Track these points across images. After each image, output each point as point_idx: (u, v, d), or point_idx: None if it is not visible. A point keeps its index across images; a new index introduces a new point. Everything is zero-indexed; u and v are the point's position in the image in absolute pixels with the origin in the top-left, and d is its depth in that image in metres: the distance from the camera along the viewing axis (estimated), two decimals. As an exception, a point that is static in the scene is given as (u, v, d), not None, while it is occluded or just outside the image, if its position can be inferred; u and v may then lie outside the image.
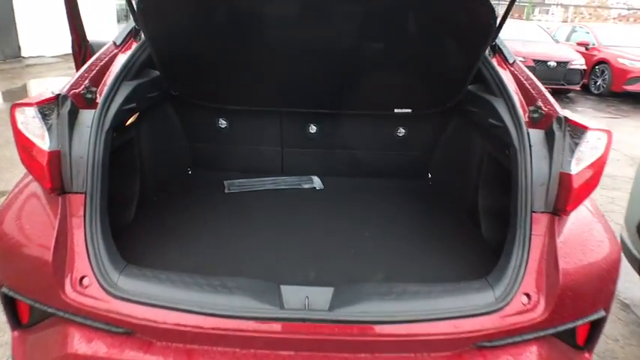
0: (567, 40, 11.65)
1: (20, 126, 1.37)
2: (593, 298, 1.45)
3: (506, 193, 1.82)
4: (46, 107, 1.41)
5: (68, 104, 1.44)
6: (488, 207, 2.00)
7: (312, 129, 2.53)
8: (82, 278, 1.35)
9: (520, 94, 1.78)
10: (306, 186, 2.50)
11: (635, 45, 10.18)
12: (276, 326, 1.29)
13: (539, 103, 1.62)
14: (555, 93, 8.84)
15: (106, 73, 1.73)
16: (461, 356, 1.34)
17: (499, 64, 1.99)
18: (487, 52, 2.00)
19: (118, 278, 1.36)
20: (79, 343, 1.33)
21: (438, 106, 2.32)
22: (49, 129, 1.40)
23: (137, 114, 1.92)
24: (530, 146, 1.51)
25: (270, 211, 2.18)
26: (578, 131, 1.45)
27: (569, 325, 1.41)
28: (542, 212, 1.46)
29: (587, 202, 1.55)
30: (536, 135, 1.54)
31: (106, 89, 1.60)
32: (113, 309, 1.31)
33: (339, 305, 1.33)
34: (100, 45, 2.00)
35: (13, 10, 11.01)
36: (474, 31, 1.79)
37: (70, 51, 2.46)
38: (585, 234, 1.51)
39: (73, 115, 1.46)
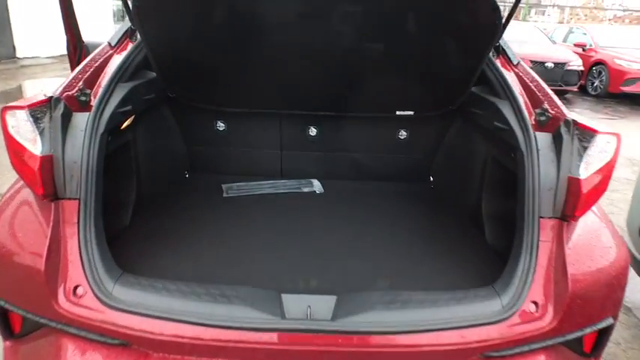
0: (564, 41, 11.67)
1: (11, 130, 1.33)
2: (601, 306, 1.43)
3: (510, 197, 1.79)
4: (38, 110, 1.36)
5: (61, 107, 1.40)
6: (492, 211, 1.96)
7: (312, 131, 2.49)
8: (75, 288, 1.30)
9: (525, 96, 1.74)
10: (306, 189, 2.46)
11: (632, 46, 10.21)
12: (278, 337, 1.25)
13: (546, 106, 1.59)
14: (553, 94, 8.81)
15: (100, 75, 1.68)
16: (467, 367, 1.30)
17: (503, 66, 1.96)
18: (491, 52, 1.96)
19: (113, 287, 1.32)
20: (72, 354, 1.29)
21: (441, 109, 2.28)
22: (41, 133, 1.36)
23: (133, 117, 1.88)
24: (537, 150, 1.47)
25: (269, 215, 2.14)
26: (587, 135, 1.42)
27: (578, 334, 1.39)
28: (550, 218, 1.43)
29: (594, 207, 1.52)
30: (543, 138, 1.50)
31: (100, 91, 1.56)
32: (108, 319, 1.27)
33: (342, 315, 1.30)
34: (96, 46, 1.95)
35: (7, 9, 10.91)
36: (478, 31, 1.75)
37: (65, 52, 2.42)
38: (593, 240, 1.48)
39: (66, 119, 1.41)
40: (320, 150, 2.53)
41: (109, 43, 1.95)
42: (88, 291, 1.30)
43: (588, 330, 1.40)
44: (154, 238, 1.84)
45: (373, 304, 1.34)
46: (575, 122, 1.46)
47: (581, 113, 8.53)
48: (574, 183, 1.41)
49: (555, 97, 1.66)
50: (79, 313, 1.28)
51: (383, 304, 1.34)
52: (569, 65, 9.47)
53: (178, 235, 1.88)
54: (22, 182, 1.45)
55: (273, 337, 1.25)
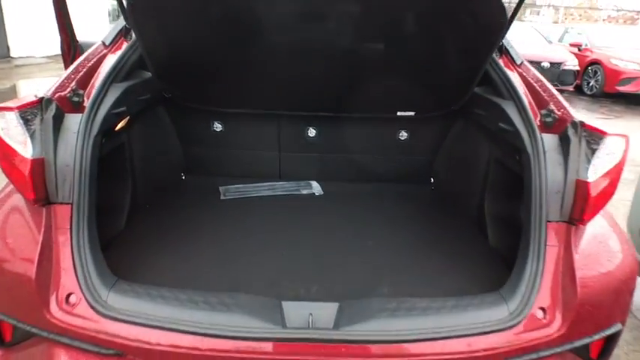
0: (560, 41, 11.70)
1: (0, 132, 1.28)
2: (610, 312, 1.40)
3: (514, 199, 1.76)
4: (29, 111, 1.32)
5: (53, 108, 1.36)
6: (495, 214, 1.93)
7: (312, 132, 2.45)
8: (68, 296, 1.27)
9: (530, 96, 1.71)
10: (305, 192, 2.42)
11: (627, 46, 10.25)
12: (279, 347, 1.21)
13: (552, 107, 1.56)
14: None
15: (94, 75, 1.64)
16: (474, 376, 1.27)
17: (506, 66, 1.93)
18: (494, 52, 1.92)
19: (107, 295, 1.28)
20: (65, 365, 1.24)
21: (443, 109, 2.24)
22: (31, 135, 1.31)
23: (128, 118, 1.83)
24: (544, 152, 1.44)
25: (267, 218, 2.10)
26: (595, 137, 1.39)
27: (586, 341, 1.36)
28: (558, 222, 1.40)
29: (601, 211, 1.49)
30: (550, 140, 1.48)
31: (94, 92, 1.52)
32: (102, 329, 1.23)
33: (345, 323, 1.26)
34: (90, 45, 1.92)
35: (1, 9, 10.81)
36: (483, 30, 1.71)
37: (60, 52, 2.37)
38: (602, 244, 1.46)
39: (58, 120, 1.37)
40: (319, 151, 2.49)
41: (103, 43, 1.91)
42: (81, 299, 1.26)
43: (597, 336, 1.37)
44: (150, 243, 1.80)
45: (377, 311, 1.31)
46: (582, 124, 1.43)
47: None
48: (582, 186, 1.38)
49: (561, 98, 1.63)
50: (71, 323, 1.24)
51: (387, 312, 1.30)
52: (565, 65, 9.49)
53: (174, 240, 1.84)
54: (11, 186, 1.41)
55: (274, 347, 1.21)
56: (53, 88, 1.44)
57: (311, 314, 1.27)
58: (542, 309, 1.32)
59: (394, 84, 2.04)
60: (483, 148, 2.04)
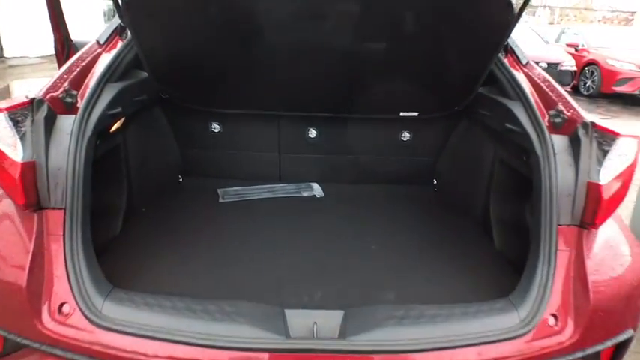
0: (557, 41, 11.72)
1: (-12, 134, 1.23)
2: (622, 317, 1.38)
3: (520, 201, 1.72)
4: (19, 113, 1.27)
5: (44, 109, 1.30)
6: (501, 216, 1.89)
7: (312, 133, 2.40)
8: (61, 305, 1.22)
9: (537, 96, 1.67)
10: (306, 194, 2.37)
11: (623, 47, 10.27)
12: (282, 358, 1.17)
13: (561, 107, 1.52)
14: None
15: (88, 75, 1.59)
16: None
17: (511, 65, 1.88)
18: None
19: (102, 304, 1.23)
20: (58, 378, 1.19)
21: (447, 109, 2.20)
22: (22, 137, 1.27)
23: (123, 119, 1.78)
24: (554, 154, 1.40)
25: (268, 222, 2.05)
26: (607, 138, 1.36)
27: (598, 347, 1.33)
28: (569, 226, 1.37)
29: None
30: (559, 141, 1.44)
31: (88, 92, 1.47)
32: (97, 340, 1.18)
33: (351, 332, 1.22)
34: (85, 45, 1.86)
35: (-6, 8, 10.68)
36: (489, 28, 1.67)
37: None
38: (613, 248, 1.42)
39: (50, 122, 1.32)
40: (320, 152, 2.45)
41: (98, 42, 1.86)
42: (75, 309, 1.21)
43: (609, 343, 1.34)
44: (146, 249, 1.75)
45: (383, 319, 1.26)
46: (594, 124, 1.40)
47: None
48: (594, 189, 1.35)
49: (570, 98, 1.59)
50: (65, 333, 1.19)
51: (394, 320, 1.26)
52: (562, 65, 9.52)
53: (172, 245, 1.79)
54: (1, 191, 1.35)
55: (277, 358, 1.17)
56: (45, 89, 1.39)
57: (315, 323, 1.22)
58: (554, 315, 1.28)
59: (397, 84, 1.99)
60: (488, 149, 2.01)
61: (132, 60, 1.80)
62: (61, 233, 1.27)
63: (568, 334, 1.27)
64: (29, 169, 1.26)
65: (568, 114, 1.49)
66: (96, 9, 13.51)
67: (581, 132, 1.40)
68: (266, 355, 1.16)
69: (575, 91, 10.52)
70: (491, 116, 1.89)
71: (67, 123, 1.35)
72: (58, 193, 1.29)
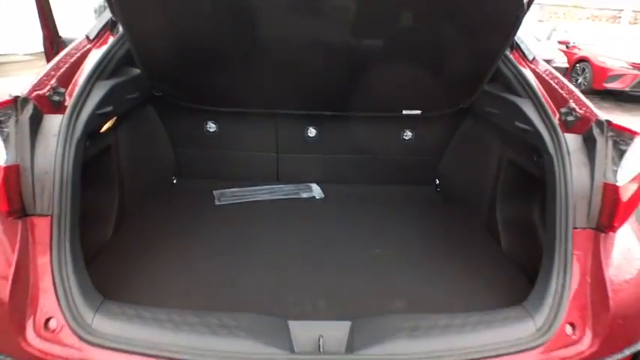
0: (548, 39, 11.77)
1: (-32, 136, 1.14)
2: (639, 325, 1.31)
3: (530, 203, 1.66)
4: (2, 113, 1.19)
5: (29, 108, 1.22)
6: (510, 219, 1.84)
7: (311, 132, 2.32)
8: (47, 320, 1.14)
9: (547, 94, 1.61)
10: (305, 195, 2.30)
11: (612, 44, 10.35)
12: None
13: (573, 105, 1.46)
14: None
15: (77, 72, 1.51)
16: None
17: (517, 61, 1.82)
18: None
19: (92, 319, 1.15)
20: (45, 399, 1.11)
21: (451, 107, 2.14)
22: (5, 139, 1.19)
23: (114, 118, 1.69)
24: (568, 153, 1.34)
25: (266, 226, 1.97)
26: (624, 137, 1.31)
27: (617, 357, 1.27)
28: (585, 228, 1.31)
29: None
30: (573, 140, 1.38)
31: (77, 90, 1.38)
32: (87, 358, 1.10)
33: (359, 345, 1.15)
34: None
35: (-20, 5, 10.42)
36: (497, 23, 1.60)
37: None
38: (631, 252, 1.37)
39: (35, 122, 1.23)
40: (319, 152, 2.37)
41: (87, 37, 1.77)
42: (62, 324, 1.13)
43: (628, 352, 1.28)
44: (139, 255, 1.66)
45: (393, 331, 1.19)
46: (609, 123, 1.34)
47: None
48: (610, 190, 1.29)
49: (582, 96, 1.53)
50: (51, 351, 1.11)
51: (404, 331, 1.19)
52: (554, 62, 9.53)
53: (165, 251, 1.71)
54: (-18, 197, 1.25)
55: None
56: (30, 86, 1.31)
57: (321, 336, 1.15)
58: (572, 324, 1.23)
59: (400, 81, 1.92)
60: (495, 149, 1.95)
61: (123, 56, 1.71)
62: (48, 242, 1.19)
63: (587, 343, 1.21)
64: (13, 172, 1.18)
65: (581, 112, 1.44)
66: (86, 6, 13.26)
67: (596, 131, 1.35)
68: None
69: (566, 88, 10.60)
70: (499, 114, 1.83)
71: (54, 123, 1.26)
72: (44, 198, 1.20)
